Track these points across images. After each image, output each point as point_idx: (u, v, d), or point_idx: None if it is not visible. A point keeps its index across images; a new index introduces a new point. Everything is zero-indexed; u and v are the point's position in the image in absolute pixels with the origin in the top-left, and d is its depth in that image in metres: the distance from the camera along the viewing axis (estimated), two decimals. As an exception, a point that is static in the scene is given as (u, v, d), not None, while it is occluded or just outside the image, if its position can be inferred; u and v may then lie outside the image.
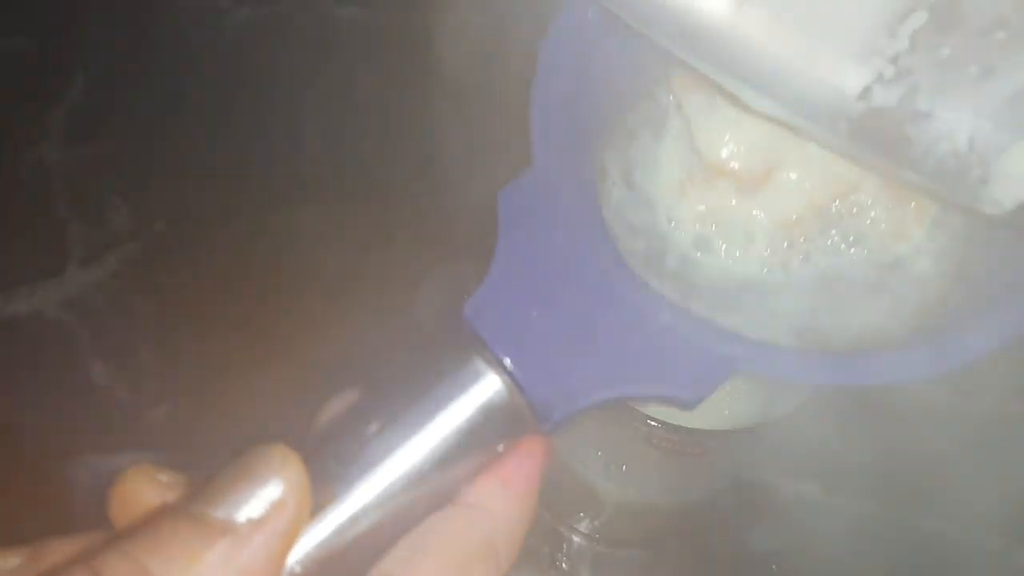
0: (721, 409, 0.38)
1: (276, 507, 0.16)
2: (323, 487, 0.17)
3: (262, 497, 0.16)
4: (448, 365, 0.18)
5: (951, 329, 0.20)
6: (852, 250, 0.25)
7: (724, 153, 0.25)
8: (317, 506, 0.17)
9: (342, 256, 0.52)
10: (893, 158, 0.21)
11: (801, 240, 0.25)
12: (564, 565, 0.45)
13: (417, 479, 0.18)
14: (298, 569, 0.17)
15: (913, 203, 0.24)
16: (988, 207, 0.20)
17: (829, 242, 0.25)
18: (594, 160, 0.24)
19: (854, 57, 0.20)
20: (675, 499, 0.40)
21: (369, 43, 0.58)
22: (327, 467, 0.18)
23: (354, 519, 0.18)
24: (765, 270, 0.25)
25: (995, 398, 0.49)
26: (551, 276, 0.19)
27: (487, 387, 0.18)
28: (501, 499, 0.19)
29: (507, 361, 0.18)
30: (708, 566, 0.45)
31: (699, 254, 0.25)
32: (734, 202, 0.25)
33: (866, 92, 0.20)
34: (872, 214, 0.25)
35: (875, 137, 0.21)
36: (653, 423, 0.30)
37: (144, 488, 0.18)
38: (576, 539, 0.46)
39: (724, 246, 0.25)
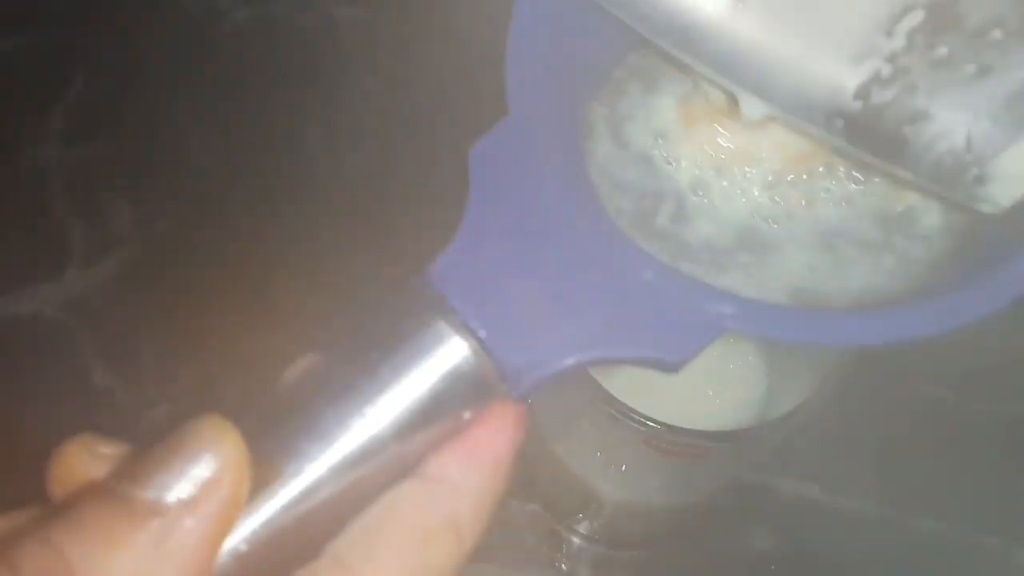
0: (721, 409, 0.38)
1: (208, 486, 0.15)
2: (271, 461, 0.16)
3: (193, 476, 0.15)
4: (409, 328, 0.17)
5: (955, 287, 0.19)
6: (858, 196, 0.23)
7: (718, 99, 0.24)
8: (264, 482, 0.16)
9: (343, 255, 0.52)
10: (890, 157, 0.21)
11: (804, 179, 0.23)
12: (564, 566, 0.45)
13: (374, 451, 0.17)
14: (244, 548, 0.16)
15: None
16: (986, 206, 0.20)
17: (834, 189, 0.23)
18: (578, 114, 0.22)
19: (851, 56, 0.20)
20: (675, 499, 0.40)
21: (369, 43, 0.58)
22: (277, 439, 0.16)
23: (304, 495, 0.16)
24: (762, 225, 0.23)
25: (995, 398, 0.49)
26: (525, 232, 0.18)
27: (451, 352, 0.17)
28: (466, 471, 0.17)
29: (473, 323, 0.17)
30: (708, 566, 0.45)
31: (691, 211, 0.23)
32: (730, 153, 0.24)
33: (863, 91, 0.20)
34: None
35: (872, 136, 0.21)
36: (653, 424, 0.30)
37: (83, 461, 0.17)
38: (576, 540, 0.46)
39: (717, 200, 0.23)
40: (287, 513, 0.16)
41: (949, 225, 0.23)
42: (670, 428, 0.30)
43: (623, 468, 0.36)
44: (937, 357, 0.48)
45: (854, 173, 0.24)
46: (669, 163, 0.24)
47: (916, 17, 0.20)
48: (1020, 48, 0.19)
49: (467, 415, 0.18)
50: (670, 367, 0.17)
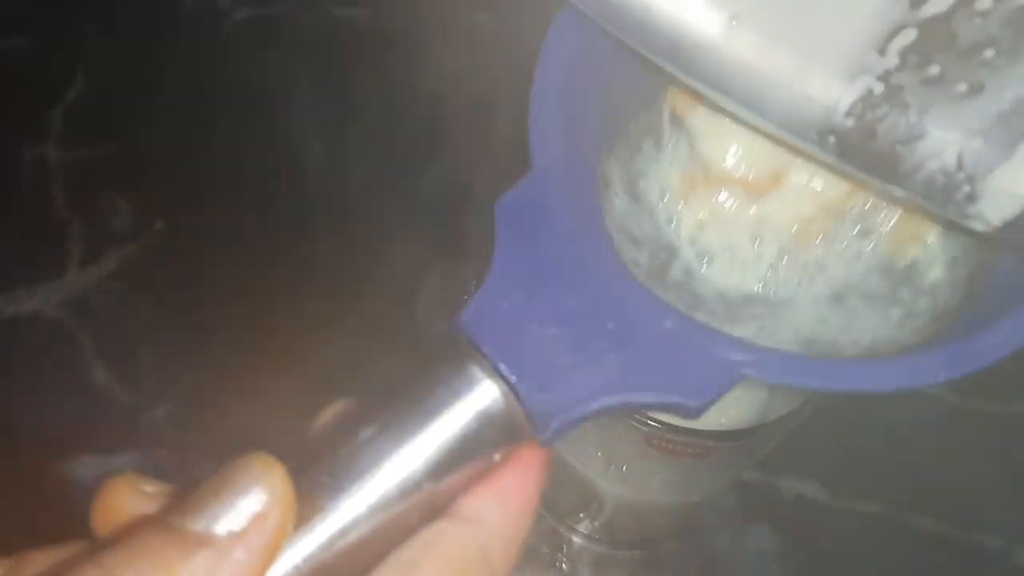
0: (721, 410, 0.38)
1: (257, 519, 0.16)
2: (311, 498, 0.17)
3: (243, 509, 0.16)
4: (443, 372, 0.18)
5: (961, 335, 0.19)
6: (865, 252, 0.24)
7: (730, 162, 0.24)
8: (304, 518, 0.17)
9: (342, 256, 0.52)
10: (882, 175, 0.21)
11: (813, 244, 0.24)
12: (564, 566, 0.45)
13: (409, 490, 0.17)
14: None
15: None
16: (977, 224, 0.20)
17: (842, 246, 0.24)
18: (596, 168, 0.23)
19: (844, 74, 0.20)
20: (676, 499, 0.40)
21: (369, 43, 0.58)
22: (316, 478, 0.17)
23: (343, 531, 0.17)
24: (774, 279, 0.24)
25: (995, 398, 0.49)
26: (550, 282, 0.19)
27: (483, 395, 0.18)
28: (497, 512, 0.18)
29: (504, 368, 0.18)
30: (708, 566, 0.45)
31: (704, 265, 0.24)
32: (742, 210, 0.25)
33: (855, 109, 0.20)
34: (884, 215, 0.24)
35: (864, 154, 0.21)
36: (653, 423, 0.30)
37: (127, 498, 0.18)
38: (576, 539, 0.46)
39: (730, 255, 0.24)
40: (326, 548, 0.17)
41: (952, 279, 0.23)
42: (671, 427, 0.30)
43: (624, 468, 0.36)
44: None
45: (858, 232, 0.24)
46: (675, 230, 0.25)
47: (909, 36, 0.20)
48: (1011, 67, 0.19)
49: (497, 457, 0.18)
50: (690, 413, 0.18)
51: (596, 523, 0.44)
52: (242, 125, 0.56)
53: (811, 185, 0.24)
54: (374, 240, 0.52)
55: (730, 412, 0.38)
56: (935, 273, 0.24)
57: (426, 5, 0.56)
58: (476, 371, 0.18)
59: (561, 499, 0.44)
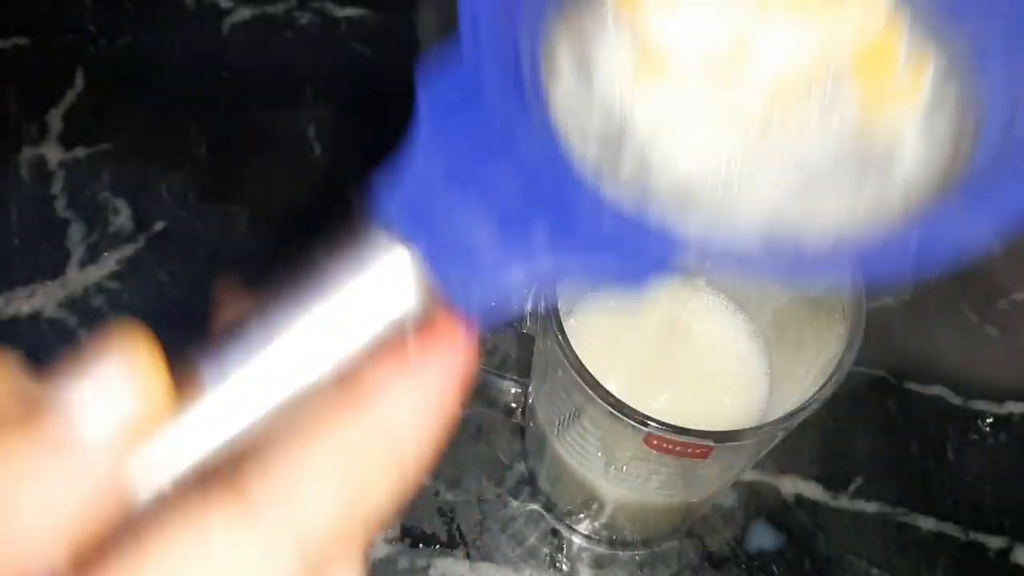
0: (722, 409, 0.38)
1: (121, 408, 0.14)
2: (195, 383, 0.15)
3: (108, 398, 0.14)
4: (349, 244, 0.17)
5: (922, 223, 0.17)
6: (833, 131, 0.22)
7: (683, 46, 0.22)
8: (187, 402, 0.15)
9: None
10: None
11: (777, 124, 0.22)
12: (564, 566, 0.45)
13: (303, 369, 0.16)
14: (167, 474, 0.15)
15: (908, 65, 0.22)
16: None
17: (809, 124, 0.22)
18: (539, 51, 0.21)
19: None
20: (675, 499, 0.40)
21: (369, 43, 0.58)
22: (204, 363, 0.16)
23: (227, 417, 0.15)
24: (733, 166, 0.22)
25: (995, 398, 0.49)
26: (476, 150, 0.17)
27: (391, 264, 0.16)
28: (410, 392, 0.16)
29: (414, 234, 0.16)
30: (708, 566, 0.45)
31: (657, 153, 0.22)
32: (699, 93, 0.23)
33: None
34: (855, 89, 0.22)
35: None
36: (653, 424, 0.30)
37: None
38: (576, 539, 0.46)
39: (687, 142, 0.22)
40: (209, 436, 0.15)
41: (925, 171, 0.21)
42: (670, 428, 0.30)
43: (624, 468, 0.36)
44: (936, 357, 0.49)
45: (827, 106, 0.22)
46: (628, 116, 0.22)
47: None
48: None
49: (409, 330, 0.17)
50: (627, 280, 0.17)
51: (596, 523, 0.44)
52: (242, 125, 0.56)
53: (773, 59, 0.22)
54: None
55: (730, 412, 0.38)
56: (906, 164, 0.21)
57: (425, 5, 0.56)
58: (385, 240, 0.16)
59: (561, 499, 0.44)
